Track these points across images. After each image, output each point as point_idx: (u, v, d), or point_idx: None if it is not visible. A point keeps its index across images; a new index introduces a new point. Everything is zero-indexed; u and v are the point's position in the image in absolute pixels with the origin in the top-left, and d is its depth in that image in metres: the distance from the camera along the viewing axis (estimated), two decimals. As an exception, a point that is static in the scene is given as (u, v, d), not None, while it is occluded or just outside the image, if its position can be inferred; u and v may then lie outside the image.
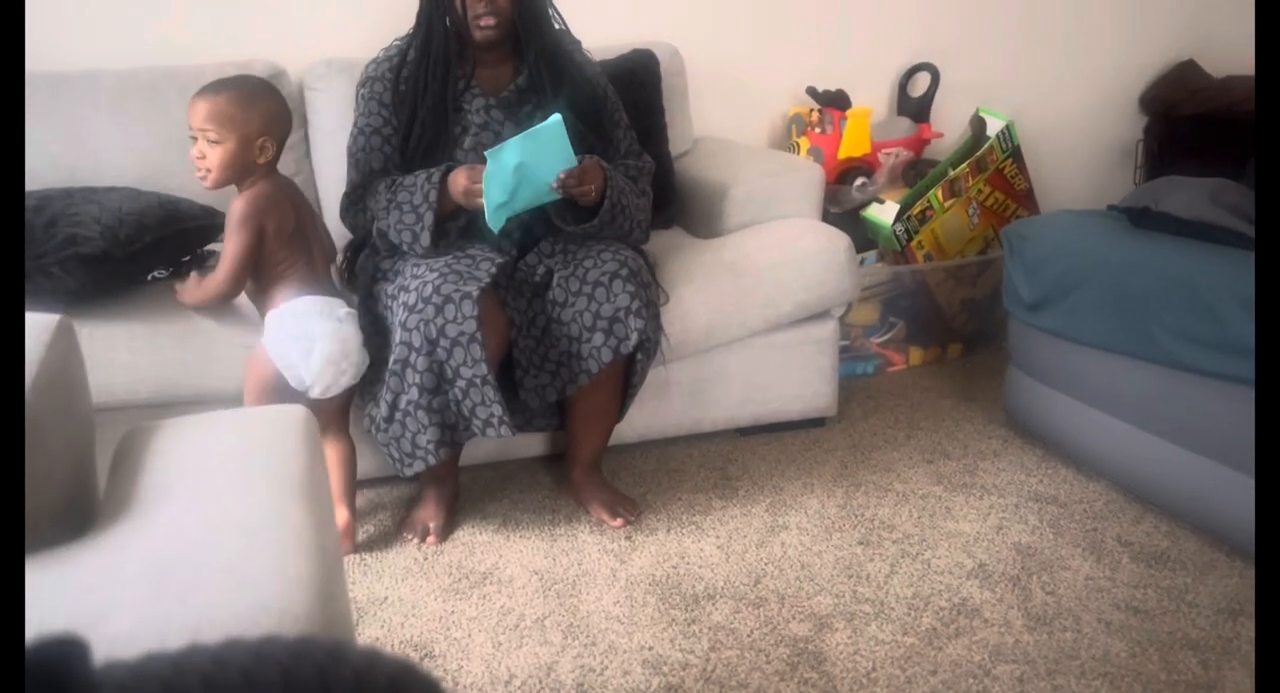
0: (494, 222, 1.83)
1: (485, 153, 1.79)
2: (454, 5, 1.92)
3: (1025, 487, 2.13)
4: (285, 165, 2.39)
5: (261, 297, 1.90)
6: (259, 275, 1.88)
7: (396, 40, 2.06)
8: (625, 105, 2.24)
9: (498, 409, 1.82)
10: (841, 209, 2.75)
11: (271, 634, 0.78)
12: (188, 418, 1.19)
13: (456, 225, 1.94)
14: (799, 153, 2.85)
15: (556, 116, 1.80)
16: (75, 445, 1.08)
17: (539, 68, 2.01)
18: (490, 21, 1.92)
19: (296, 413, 1.22)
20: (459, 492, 2.09)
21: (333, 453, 1.91)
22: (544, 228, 2.01)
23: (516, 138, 1.78)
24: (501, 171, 1.78)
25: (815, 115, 2.85)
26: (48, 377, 1.03)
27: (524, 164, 1.79)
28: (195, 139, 1.81)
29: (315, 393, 1.85)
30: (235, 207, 1.83)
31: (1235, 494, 1.77)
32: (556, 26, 2.08)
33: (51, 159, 2.21)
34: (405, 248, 1.91)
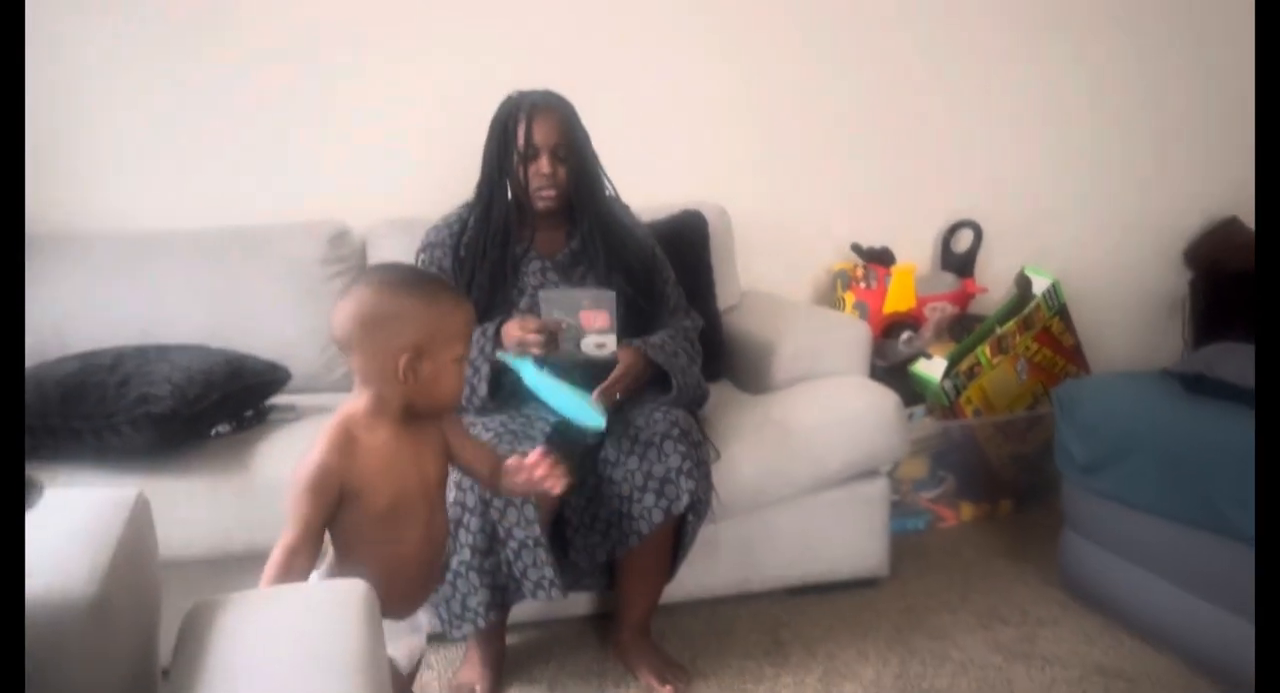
0: (520, 362, 1.83)
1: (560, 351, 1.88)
2: (516, 176, 2.02)
3: (1088, 658, 2.06)
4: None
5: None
6: None
7: (456, 208, 2.15)
8: (675, 264, 2.31)
9: (549, 572, 1.81)
10: (888, 363, 2.77)
11: None
12: (250, 594, 1.20)
13: (510, 378, 1.98)
14: (844, 307, 2.89)
15: (601, 424, 1.80)
16: (143, 626, 1.09)
17: (592, 233, 2.08)
18: (551, 193, 2.01)
19: (357, 589, 1.23)
20: (506, 653, 2.06)
21: None
22: (595, 387, 2.04)
23: (571, 396, 1.80)
24: (553, 386, 1.81)
25: (860, 271, 2.90)
26: (123, 558, 1.05)
27: (559, 400, 1.82)
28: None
29: None
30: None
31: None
32: (608, 192, 2.17)
33: (127, 315, 2.31)
34: (464, 402, 1.95)
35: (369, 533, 1.33)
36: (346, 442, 1.31)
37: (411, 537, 1.36)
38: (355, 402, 1.34)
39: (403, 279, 1.37)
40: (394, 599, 1.34)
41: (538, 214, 2.06)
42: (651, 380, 2.03)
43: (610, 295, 1.92)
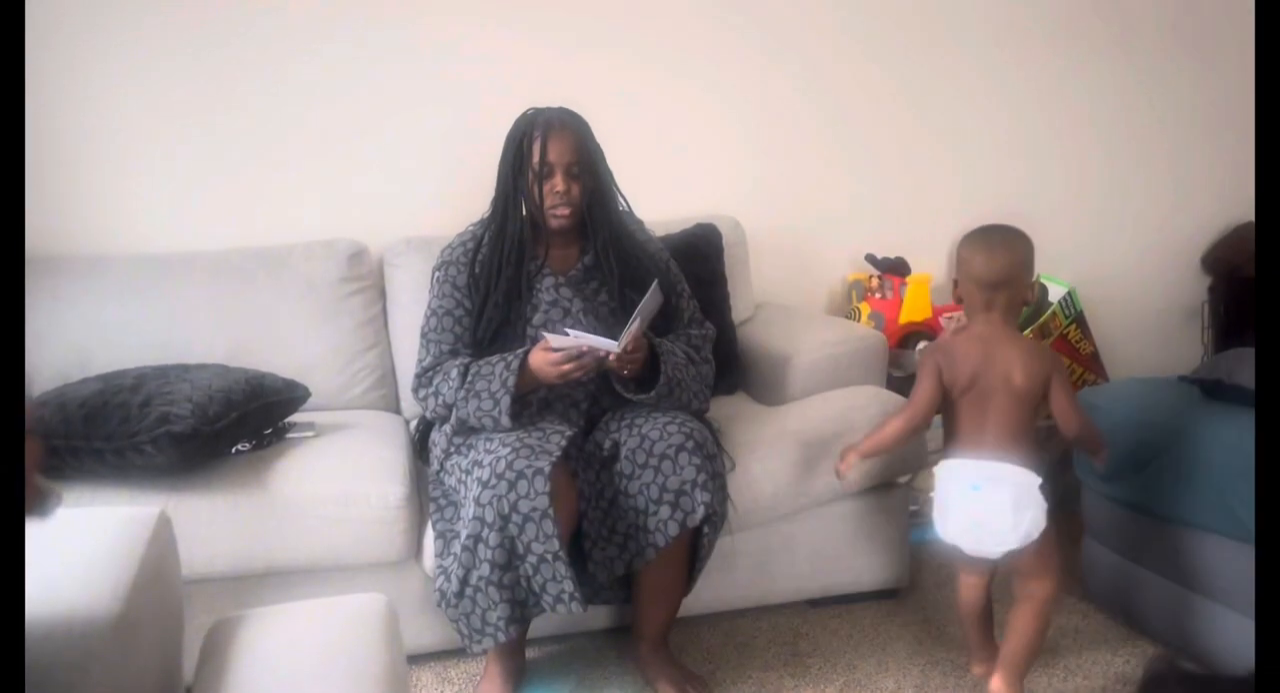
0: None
1: None
2: (530, 195, 2.03)
3: (1111, 668, 2.05)
4: (364, 337, 2.51)
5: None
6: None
7: (471, 225, 2.17)
8: (689, 277, 2.31)
9: (568, 585, 1.81)
10: (905, 373, 2.77)
11: None
12: (271, 610, 1.22)
13: (537, 397, 2.00)
14: (860, 318, 2.89)
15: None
16: (166, 643, 1.11)
17: (605, 249, 2.09)
18: (565, 211, 2.02)
19: (376, 603, 1.24)
20: (525, 667, 2.06)
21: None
22: (611, 399, 2.05)
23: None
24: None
25: (875, 281, 2.90)
26: (147, 575, 1.06)
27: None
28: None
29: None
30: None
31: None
32: (621, 207, 2.17)
33: (148, 336, 2.33)
34: (488, 431, 1.95)
35: None
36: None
37: None
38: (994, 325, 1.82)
39: (1015, 228, 1.84)
40: None
41: (551, 231, 2.07)
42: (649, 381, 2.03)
43: (611, 343, 1.89)
